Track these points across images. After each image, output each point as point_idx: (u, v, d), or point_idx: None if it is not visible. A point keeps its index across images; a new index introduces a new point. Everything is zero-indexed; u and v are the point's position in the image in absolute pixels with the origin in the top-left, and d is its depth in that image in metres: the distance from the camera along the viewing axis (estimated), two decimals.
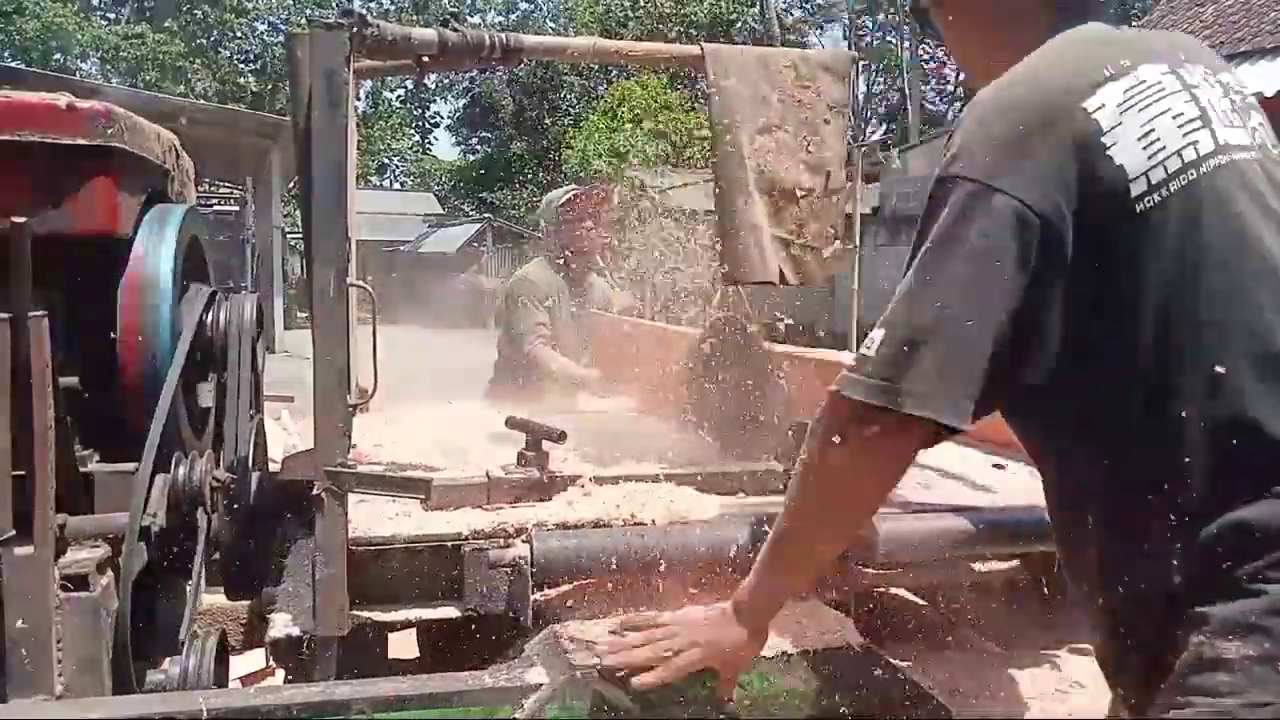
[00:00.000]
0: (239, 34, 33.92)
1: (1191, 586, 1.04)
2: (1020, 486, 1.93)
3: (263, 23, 35.24)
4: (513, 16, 39.72)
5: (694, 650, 1.28)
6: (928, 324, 1.08)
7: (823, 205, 1.97)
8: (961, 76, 33.69)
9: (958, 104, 32.99)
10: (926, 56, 33.19)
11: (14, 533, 1.40)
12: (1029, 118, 1.08)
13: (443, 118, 47.48)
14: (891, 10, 32.69)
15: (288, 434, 5.13)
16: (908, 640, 1.77)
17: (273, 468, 2.16)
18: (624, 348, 3.34)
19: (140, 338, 1.93)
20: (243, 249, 18.62)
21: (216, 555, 1.95)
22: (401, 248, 29.90)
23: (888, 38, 34.53)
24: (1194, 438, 1.05)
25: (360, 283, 1.54)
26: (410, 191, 39.01)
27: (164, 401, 1.76)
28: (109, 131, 1.83)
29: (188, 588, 1.80)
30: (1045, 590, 1.82)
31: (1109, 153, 1.07)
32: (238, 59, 35.06)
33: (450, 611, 1.51)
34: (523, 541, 1.52)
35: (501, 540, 1.52)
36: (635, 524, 1.59)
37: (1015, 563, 1.72)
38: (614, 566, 1.51)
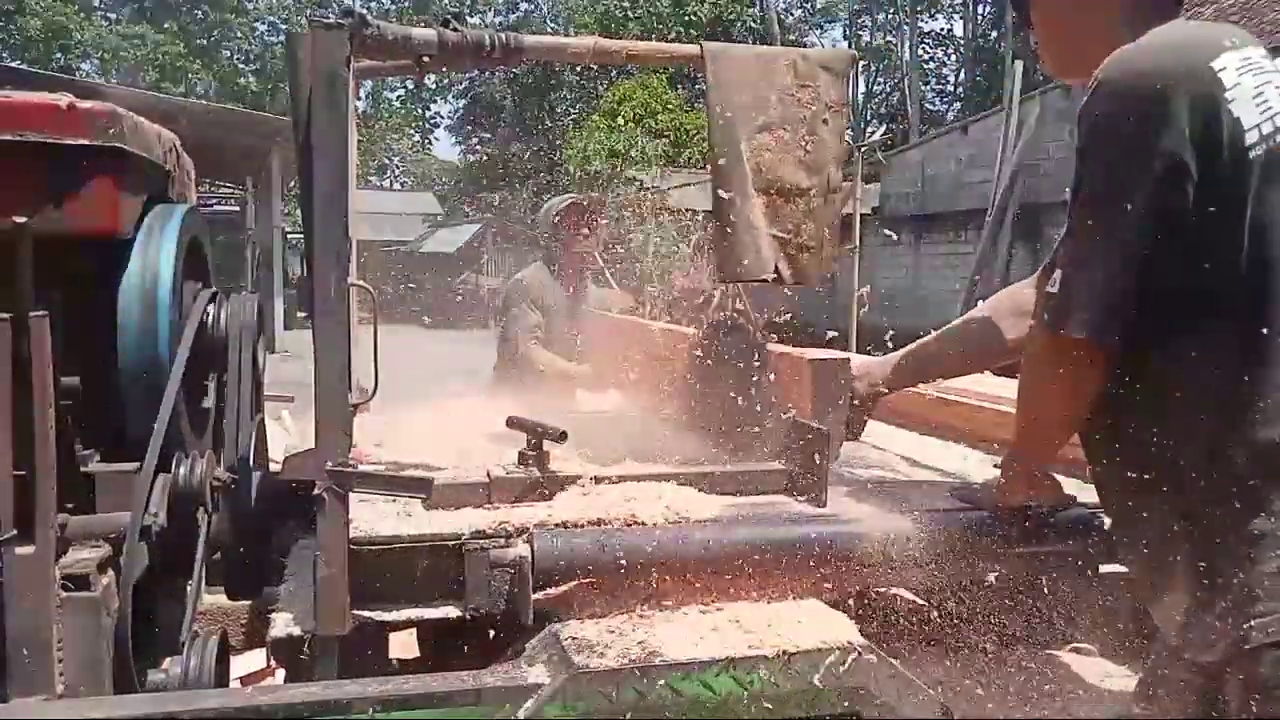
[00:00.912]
0: (239, 34, 33.92)
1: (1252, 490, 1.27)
2: None
3: (263, 23, 35.29)
4: (513, 16, 39.73)
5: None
6: (1090, 265, 1.32)
7: (820, 205, 1.97)
8: (961, 76, 33.71)
9: (958, 104, 33.00)
10: (926, 56, 33.24)
11: (15, 532, 1.40)
12: (1166, 74, 1.28)
13: (443, 118, 47.60)
14: (891, 10, 32.70)
15: (288, 434, 5.13)
16: (908, 640, 1.77)
17: (273, 468, 2.16)
18: (625, 348, 3.35)
19: (141, 338, 1.93)
20: (243, 249, 18.62)
21: (217, 555, 1.95)
22: (401, 248, 29.90)
23: (888, 38, 34.55)
24: (1276, 353, 1.27)
25: (361, 283, 1.54)
26: (410, 191, 39.01)
27: (165, 402, 1.76)
28: (110, 132, 1.83)
29: (188, 587, 1.80)
30: (1045, 590, 1.82)
31: (1230, 106, 1.27)
32: (238, 59, 35.06)
33: (451, 611, 1.51)
34: (523, 541, 1.52)
35: (502, 540, 1.52)
36: (635, 524, 1.59)
37: (1015, 563, 1.72)
38: (614, 566, 1.51)
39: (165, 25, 31.05)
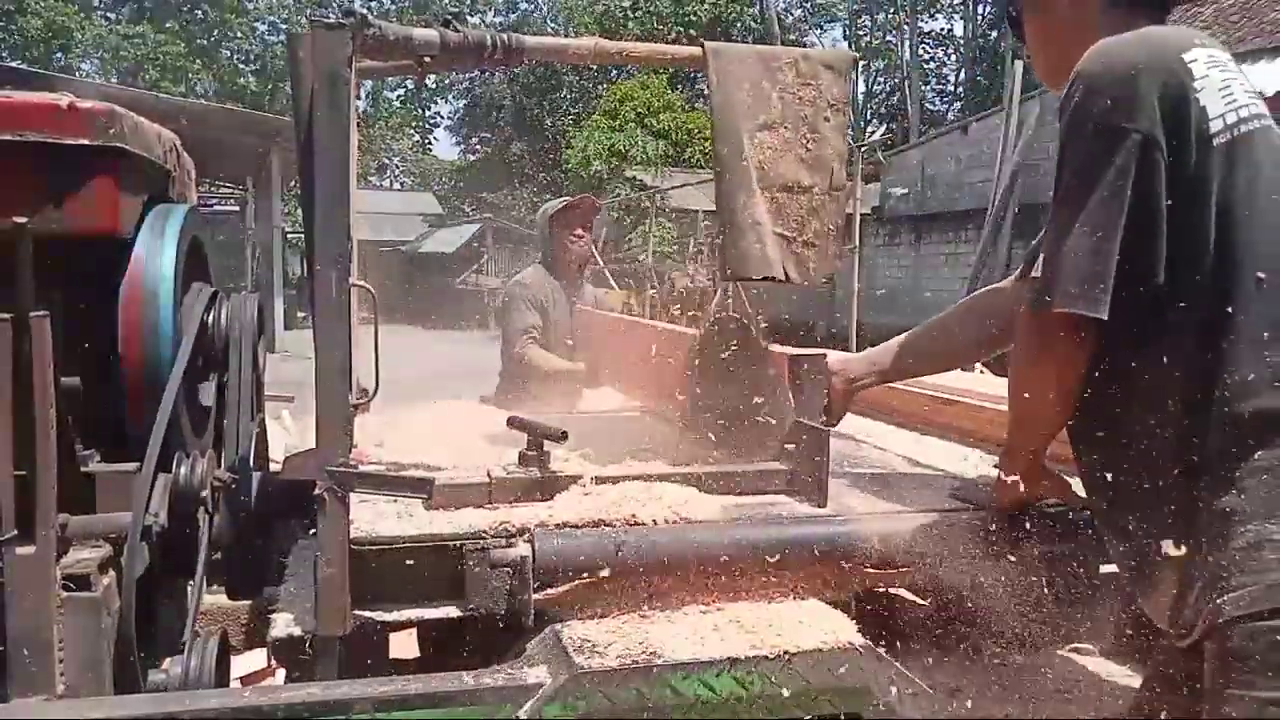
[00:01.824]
0: (239, 34, 33.91)
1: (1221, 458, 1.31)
2: None
3: (263, 23, 35.27)
4: (513, 16, 39.75)
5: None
6: (1070, 242, 1.36)
7: (824, 203, 1.97)
8: (961, 76, 33.71)
9: (958, 104, 33.00)
10: (926, 56, 33.24)
11: (16, 533, 1.40)
12: (1139, 62, 1.36)
13: (443, 118, 47.64)
14: (891, 10, 32.69)
15: (288, 434, 5.13)
16: (908, 640, 1.77)
17: (274, 468, 2.16)
18: (621, 346, 3.36)
19: (141, 338, 1.93)
20: (243, 249, 18.63)
21: (218, 555, 1.95)
22: (401, 248, 29.91)
23: (888, 38, 34.54)
24: (1242, 332, 1.32)
25: (362, 283, 1.54)
26: (410, 191, 39.01)
27: (166, 402, 1.75)
28: (110, 132, 1.83)
29: (189, 587, 1.80)
30: (1045, 590, 1.82)
31: (1198, 95, 1.35)
32: (238, 59, 35.05)
33: (451, 611, 1.51)
34: (524, 541, 1.52)
35: (503, 540, 1.52)
36: (636, 524, 1.59)
37: (1015, 563, 1.72)
38: (615, 567, 1.51)
39: (165, 25, 31.04)
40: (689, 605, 1.53)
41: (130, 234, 1.95)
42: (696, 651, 1.39)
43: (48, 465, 1.42)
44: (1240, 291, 1.33)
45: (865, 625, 1.52)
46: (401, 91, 40.79)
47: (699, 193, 16.06)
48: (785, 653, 1.40)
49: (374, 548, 1.49)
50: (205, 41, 32.79)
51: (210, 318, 2.07)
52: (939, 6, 34.11)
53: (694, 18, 27.54)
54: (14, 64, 21.88)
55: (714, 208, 1.99)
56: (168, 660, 1.58)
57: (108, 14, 33.89)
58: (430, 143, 44.57)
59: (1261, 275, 1.32)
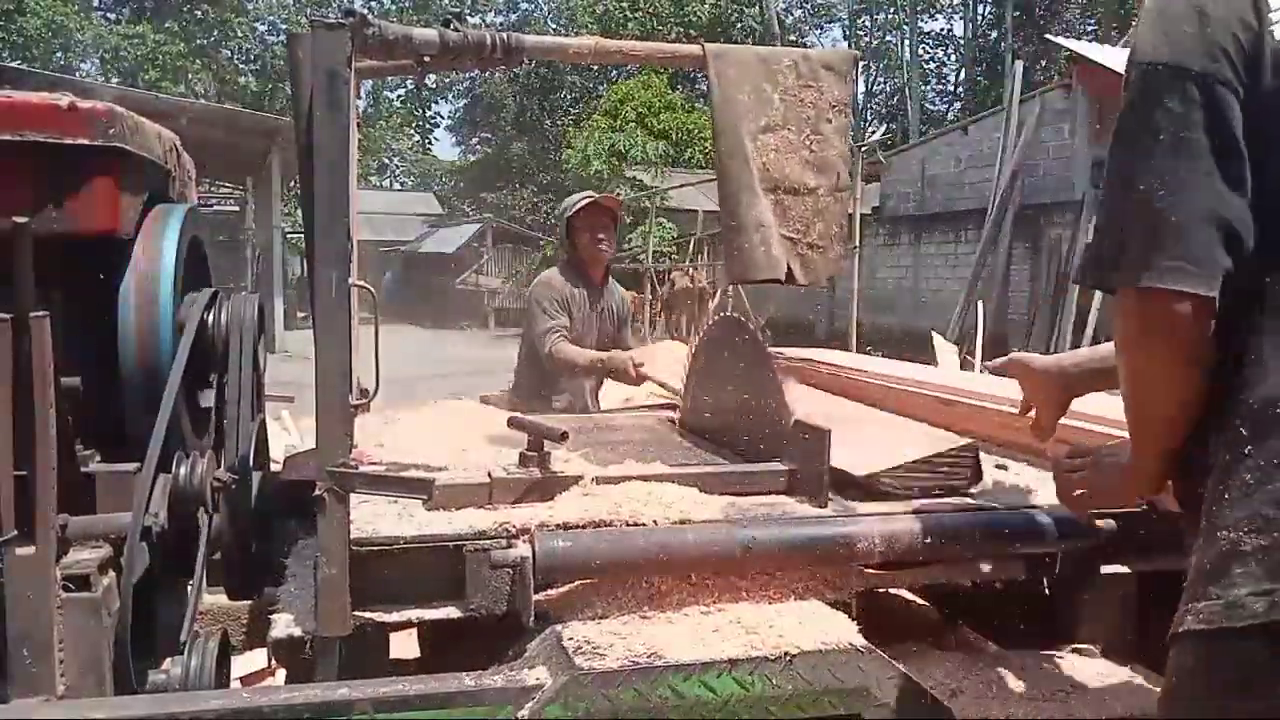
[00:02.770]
0: (239, 34, 33.90)
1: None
2: (1021, 487, 1.93)
3: (263, 23, 35.27)
4: (513, 16, 39.75)
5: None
6: (1143, 207, 1.18)
7: (829, 205, 1.97)
8: (961, 76, 33.71)
9: (958, 104, 32.99)
10: (926, 56, 33.23)
11: (16, 533, 1.40)
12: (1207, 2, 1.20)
13: (443, 118, 47.62)
14: (891, 10, 32.70)
15: (288, 434, 5.14)
16: (908, 640, 1.77)
17: (274, 468, 2.16)
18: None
19: (141, 338, 1.93)
20: (243, 249, 18.63)
21: (218, 555, 1.95)
22: (401, 248, 29.90)
23: (887, 38, 34.56)
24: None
25: (362, 283, 1.54)
26: (410, 191, 39.02)
27: (166, 402, 1.75)
28: (111, 131, 1.82)
29: (189, 588, 1.80)
30: (1045, 590, 1.82)
31: (1273, 28, 1.18)
32: (238, 59, 35.05)
33: (451, 612, 1.51)
34: (524, 542, 1.52)
35: (503, 541, 1.52)
36: (636, 524, 1.59)
37: (1015, 563, 1.72)
38: (615, 567, 1.51)
39: (165, 25, 31.04)
40: (690, 606, 1.53)
41: (130, 234, 1.95)
42: (697, 652, 1.38)
43: (48, 465, 1.42)
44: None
45: (865, 625, 1.52)
46: (402, 91, 40.81)
47: (699, 193, 16.06)
48: (786, 653, 1.39)
49: (374, 548, 1.49)
50: (205, 41, 32.77)
51: (210, 318, 2.07)
52: (939, 6, 34.15)
53: (694, 18, 27.56)
54: (14, 64, 21.87)
55: (715, 208, 1.99)
56: (168, 660, 1.58)
57: (108, 14, 33.89)
58: (430, 143, 44.61)
59: None
